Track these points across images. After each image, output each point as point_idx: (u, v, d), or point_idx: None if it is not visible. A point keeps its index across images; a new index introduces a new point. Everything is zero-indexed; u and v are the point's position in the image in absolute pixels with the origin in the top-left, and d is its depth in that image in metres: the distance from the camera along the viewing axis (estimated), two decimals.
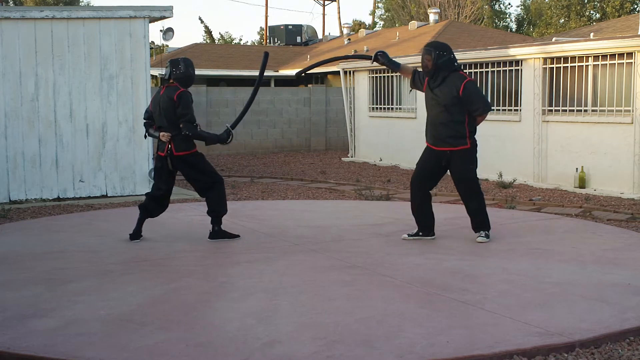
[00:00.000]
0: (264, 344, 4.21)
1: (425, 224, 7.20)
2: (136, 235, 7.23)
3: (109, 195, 10.69)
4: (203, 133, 7.14)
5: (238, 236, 7.35)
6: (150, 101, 7.32)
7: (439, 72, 6.89)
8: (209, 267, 6.20)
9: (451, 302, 5.04)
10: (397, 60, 7.85)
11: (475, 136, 7.01)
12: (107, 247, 6.96)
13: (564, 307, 4.89)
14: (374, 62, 7.39)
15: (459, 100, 6.81)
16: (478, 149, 7.09)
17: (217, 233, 7.24)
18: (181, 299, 5.18)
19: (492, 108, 7.17)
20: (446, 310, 4.84)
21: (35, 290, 5.42)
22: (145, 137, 7.41)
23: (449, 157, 6.93)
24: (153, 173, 7.49)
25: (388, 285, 5.49)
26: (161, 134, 7.03)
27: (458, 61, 7.08)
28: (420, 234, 7.21)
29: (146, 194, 7.40)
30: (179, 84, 7.04)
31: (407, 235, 7.24)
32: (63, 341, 4.28)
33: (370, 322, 4.58)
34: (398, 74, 7.34)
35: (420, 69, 7.28)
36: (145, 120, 7.33)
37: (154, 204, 7.27)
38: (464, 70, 7.11)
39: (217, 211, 7.20)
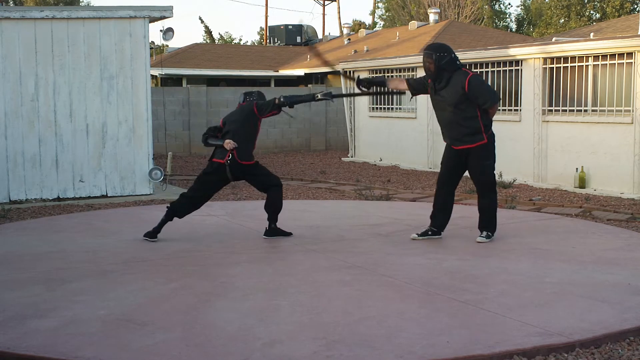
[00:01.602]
0: (264, 344, 4.21)
1: (440, 222, 7.19)
2: (154, 234, 7.20)
3: (109, 195, 10.68)
4: (296, 97, 7.25)
5: (291, 234, 7.41)
6: (221, 120, 7.38)
7: (443, 73, 6.87)
8: (209, 267, 6.20)
9: (451, 302, 5.04)
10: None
11: (492, 130, 7.00)
12: (107, 247, 6.96)
13: (564, 307, 4.89)
14: (361, 88, 7.33)
15: (466, 97, 6.81)
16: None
17: (274, 231, 7.32)
18: (181, 299, 5.18)
19: None
20: (446, 310, 4.84)
21: (35, 290, 5.42)
22: (207, 144, 7.36)
23: (467, 154, 6.94)
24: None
25: (388, 285, 5.49)
26: (226, 141, 7.05)
27: (460, 60, 7.07)
28: (430, 233, 7.18)
29: (182, 195, 7.37)
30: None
31: (416, 235, 7.22)
32: (63, 341, 4.28)
33: (370, 322, 4.58)
34: (392, 88, 7.26)
35: (415, 77, 7.25)
36: (205, 134, 7.34)
37: (190, 206, 7.27)
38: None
39: (278, 207, 7.27)
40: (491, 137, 6.99)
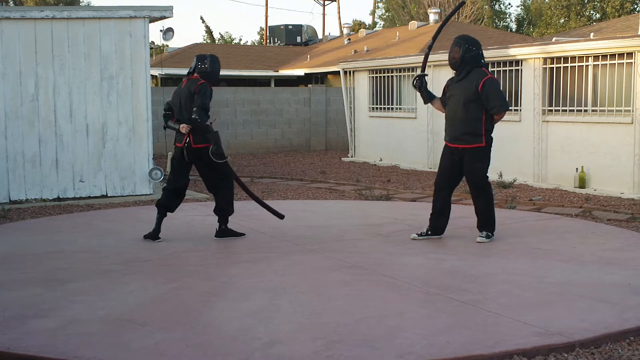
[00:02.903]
0: (264, 344, 4.21)
1: (438, 225, 7.19)
2: (155, 234, 7.20)
3: (109, 195, 10.68)
4: (209, 128, 7.04)
5: (244, 234, 7.38)
6: (173, 93, 7.32)
7: (465, 66, 6.88)
8: (209, 267, 6.20)
9: (451, 302, 5.03)
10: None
11: (491, 135, 6.98)
12: (107, 247, 6.96)
13: (564, 307, 4.89)
14: (414, 83, 7.23)
15: (477, 97, 6.80)
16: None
17: (224, 232, 7.28)
18: (181, 299, 5.18)
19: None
20: (446, 310, 4.84)
21: (35, 290, 5.42)
22: (165, 128, 7.37)
23: (462, 154, 6.93)
24: (169, 165, 7.40)
25: (388, 285, 5.49)
26: (181, 125, 7.05)
27: (485, 59, 7.05)
28: (429, 233, 7.19)
29: (164, 189, 7.35)
30: (201, 77, 7.08)
31: (416, 235, 7.22)
32: (63, 341, 4.28)
33: (370, 322, 4.57)
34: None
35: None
36: (164, 112, 7.31)
37: (173, 197, 7.25)
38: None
39: (225, 210, 7.24)
40: (489, 141, 6.98)
